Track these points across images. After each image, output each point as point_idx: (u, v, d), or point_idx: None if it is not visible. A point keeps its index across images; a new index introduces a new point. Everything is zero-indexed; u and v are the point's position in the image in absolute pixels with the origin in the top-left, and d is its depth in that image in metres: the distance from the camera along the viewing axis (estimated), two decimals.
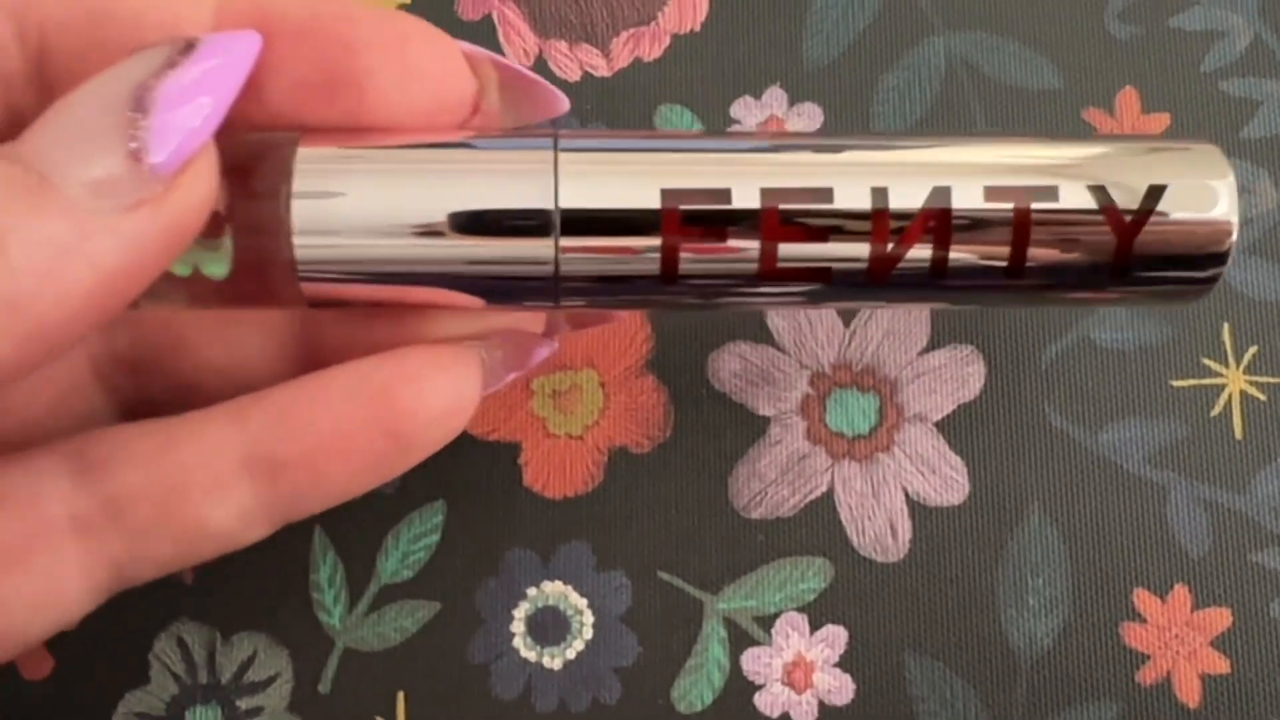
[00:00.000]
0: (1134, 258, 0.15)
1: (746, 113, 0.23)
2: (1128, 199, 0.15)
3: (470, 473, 0.21)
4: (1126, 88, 0.23)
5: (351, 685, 0.21)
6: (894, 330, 0.22)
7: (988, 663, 0.21)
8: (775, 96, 0.23)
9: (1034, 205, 0.15)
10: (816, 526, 0.21)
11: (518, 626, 0.21)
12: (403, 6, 0.23)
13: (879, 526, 0.21)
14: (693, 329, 0.22)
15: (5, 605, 0.14)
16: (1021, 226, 0.15)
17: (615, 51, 0.23)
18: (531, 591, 0.21)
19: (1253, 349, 0.22)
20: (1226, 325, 0.22)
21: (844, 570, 0.21)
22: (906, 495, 0.21)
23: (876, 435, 0.21)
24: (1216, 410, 0.21)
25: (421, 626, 0.21)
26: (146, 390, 0.17)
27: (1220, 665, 0.20)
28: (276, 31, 0.14)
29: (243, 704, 0.21)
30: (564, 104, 0.17)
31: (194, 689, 0.21)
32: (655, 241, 0.15)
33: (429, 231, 0.14)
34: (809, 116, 0.23)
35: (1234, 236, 0.15)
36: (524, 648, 0.21)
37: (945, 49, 0.23)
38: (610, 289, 0.15)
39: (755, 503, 0.21)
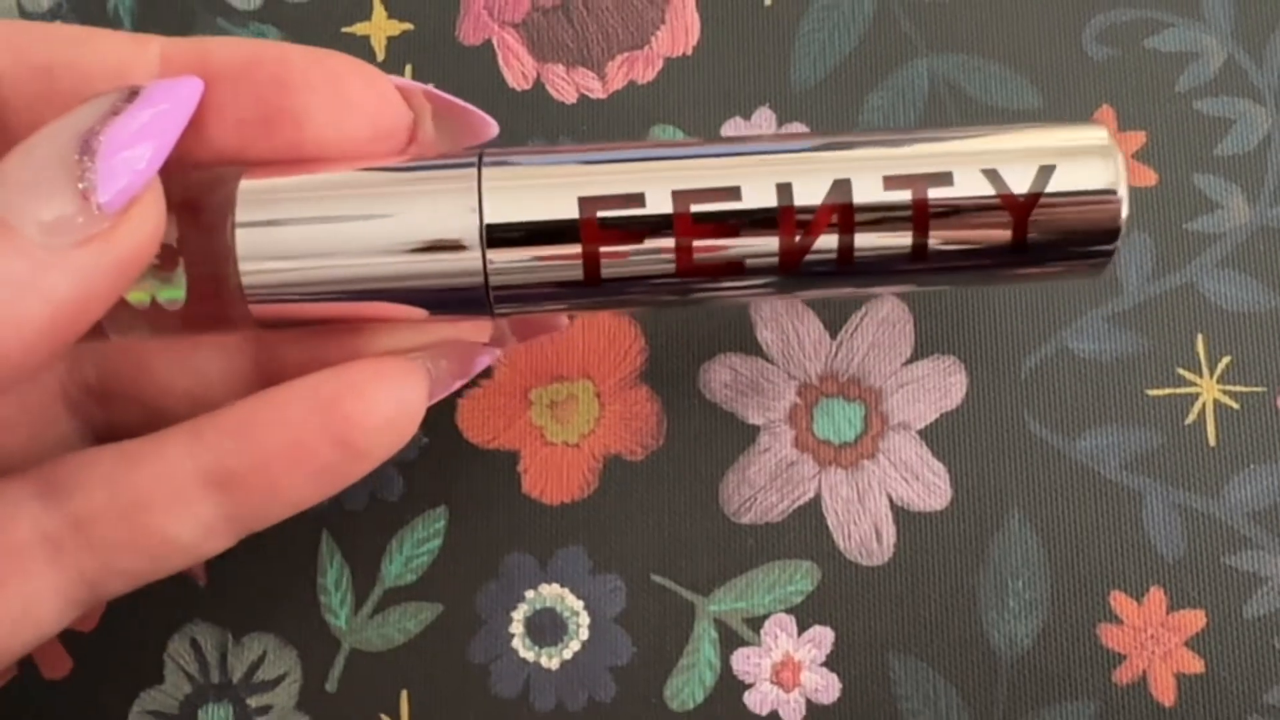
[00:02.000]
0: (1031, 237, 0.16)
1: (736, 132, 0.24)
2: (1019, 181, 0.16)
3: (471, 480, 0.22)
4: (1104, 106, 0.23)
5: (357, 684, 0.22)
6: (879, 342, 0.23)
7: (969, 662, 0.21)
8: (764, 117, 0.24)
9: (931, 193, 0.16)
10: (804, 531, 0.22)
11: (517, 628, 0.22)
12: (407, 33, 0.24)
13: (864, 531, 0.22)
14: (685, 341, 0.23)
15: None
16: (920, 213, 0.16)
17: (610, 74, 0.24)
18: (530, 594, 0.22)
19: (1226, 359, 0.22)
20: (1200, 336, 0.22)
21: (830, 573, 0.22)
22: (891, 501, 0.22)
23: (862, 443, 0.22)
24: (1191, 418, 0.22)
25: (424, 628, 0.22)
26: (116, 417, 0.18)
27: (1195, 665, 0.21)
28: (217, 75, 0.16)
29: (253, 702, 0.22)
30: (493, 128, 0.18)
31: (206, 688, 0.22)
32: (576, 249, 0.15)
33: (365, 250, 0.15)
34: None
35: (1124, 212, 0.16)
36: (523, 648, 0.22)
37: (928, 70, 0.24)
38: (539, 296, 0.16)
39: (745, 508, 0.22)
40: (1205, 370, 0.22)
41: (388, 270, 0.15)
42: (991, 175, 0.16)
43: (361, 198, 0.15)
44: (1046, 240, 0.16)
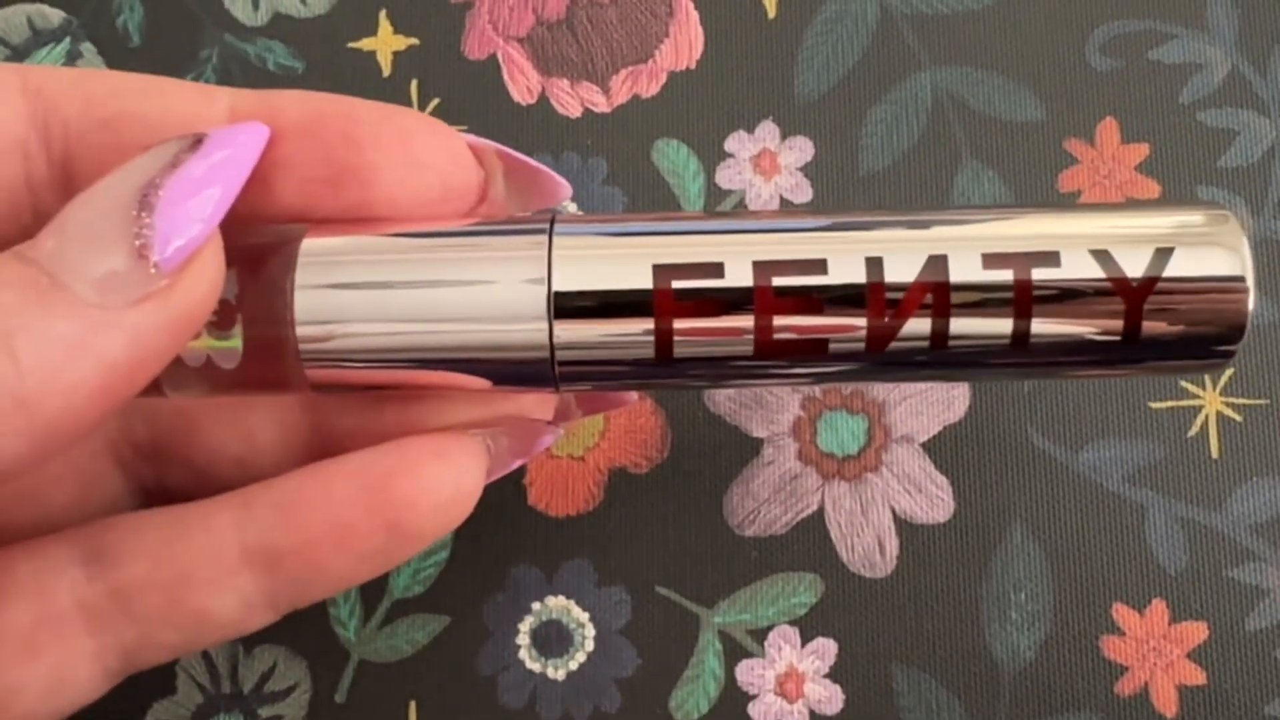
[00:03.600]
0: (1145, 327, 0.14)
1: (740, 146, 0.24)
2: (1134, 265, 0.14)
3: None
4: (1107, 118, 0.23)
5: (366, 695, 0.22)
6: None
7: (972, 674, 0.21)
8: (768, 130, 0.24)
9: (1035, 273, 0.14)
10: (808, 543, 0.22)
11: (523, 639, 0.22)
12: (412, 48, 0.24)
13: (867, 543, 0.22)
14: None
15: (18, 694, 0.15)
16: (1023, 295, 0.14)
17: (615, 88, 0.24)
18: (536, 606, 0.22)
19: (1229, 371, 0.22)
20: None
21: (834, 585, 0.22)
22: (894, 513, 0.22)
23: (865, 456, 0.22)
24: (1194, 431, 0.22)
25: (432, 639, 0.22)
26: (164, 478, 0.18)
27: (1196, 677, 0.21)
28: (284, 129, 0.15)
29: (264, 713, 0.22)
30: (567, 190, 0.17)
31: (218, 699, 0.22)
32: (649, 323, 0.14)
33: (427, 317, 0.15)
34: (800, 149, 0.24)
35: (1251, 304, 0.14)
36: (529, 659, 0.22)
37: (931, 83, 0.24)
38: (607, 371, 0.15)
39: (749, 521, 0.22)
40: (1208, 383, 0.22)
41: (450, 340, 0.15)
42: (1102, 256, 0.14)
43: (427, 262, 0.15)
44: (1161, 334, 0.14)
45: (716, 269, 0.14)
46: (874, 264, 0.14)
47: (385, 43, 0.24)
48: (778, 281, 0.14)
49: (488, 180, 0.16)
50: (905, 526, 0.22)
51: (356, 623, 0.22)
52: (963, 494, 0.22)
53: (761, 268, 0.14)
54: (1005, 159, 0.23)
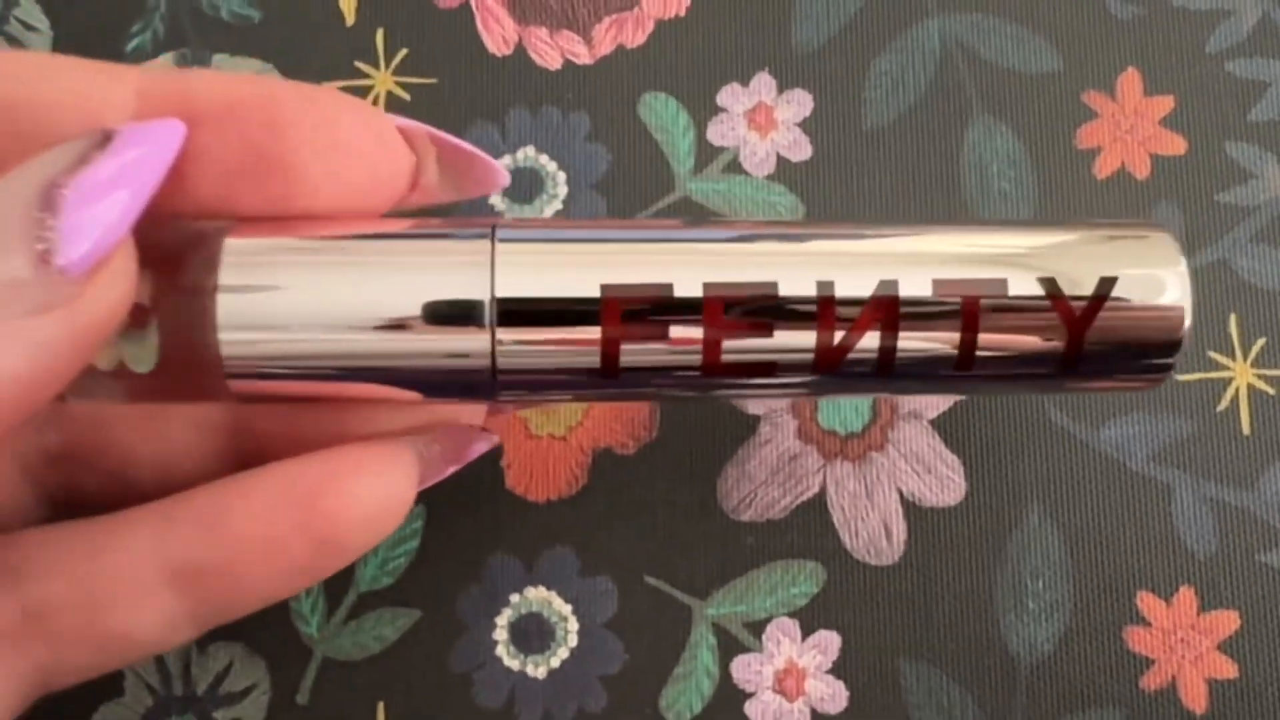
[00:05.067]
0: (1086, 348, 0.15)
1: (734, 100, 0.22)
2: (1077, 290, 0.15)
3: (450, 477, 0.21)
4: (1129, 69, 0.22)
5: (330, 696, 0.20)
6: None
7: (986, 669, 0.20)
8: (763, 83, 0.22)
9: (982, 297, 0.15)
10: (808, 529, 0.21)
11: (500, 634, 0.20)
12: None
13: (873, 528, 0.21)
14: None
15: None
16: (970, 318, 0.15)
17: (597, 38, 0.22)
18: (514, 598, 0.21)
19: (1261, 341, 0.21)
20: (1234, 316, 0.21)
21: (837, 574, 0.20)
22: (901, 495, 0.21)
23: (870, 433, 0.21)
24: (1223, 405, 0.21)
25: (402, 635, 0.20)
26: (77, 485, 0.17)
27: (1228, 670, 0.20)
28: (200, 116, 0.14)
29: (219, 715, 0.20)
30: (503, 179, 0.17)
31: (169, 701, 0.20)
32: (595, 334, 0.14)
33: (361, 326, 0.14)
34: (799, 103, 0.22)
35: (1187, 324, 0.15)
36: (507, 656, 0.20)
37: (939, 31, 0.22)
38: (549, 383, 0.15)
39: (745, 505, 0.21)
40: (1239, 353, 0.21)
41: (386, 348, 0.14)
42: (1048, 283, 0.15)
43: (361, 266, 0.14)
44: (1101, 352, 0.15)
45: (666, 289, 0.14)
46: (825, 286, 0.15)
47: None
48: (727, 298, 0.14)
49: (420, 165, 0.16)
50: (913, 510, 0.21)
51: (319, 618, 0.21)
52: (975, 474, 0.21)
53: (712, 288, 0.14)
54: (1020, 113, 0.22)
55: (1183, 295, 0.15)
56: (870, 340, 0.15)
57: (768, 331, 0.15)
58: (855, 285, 0.15)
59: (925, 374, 0.15)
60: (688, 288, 0.14)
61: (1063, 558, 0.20)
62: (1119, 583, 0.20)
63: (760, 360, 0.15)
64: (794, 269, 0.15)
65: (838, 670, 0.20)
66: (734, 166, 0.22)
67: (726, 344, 0.14)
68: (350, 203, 0.15)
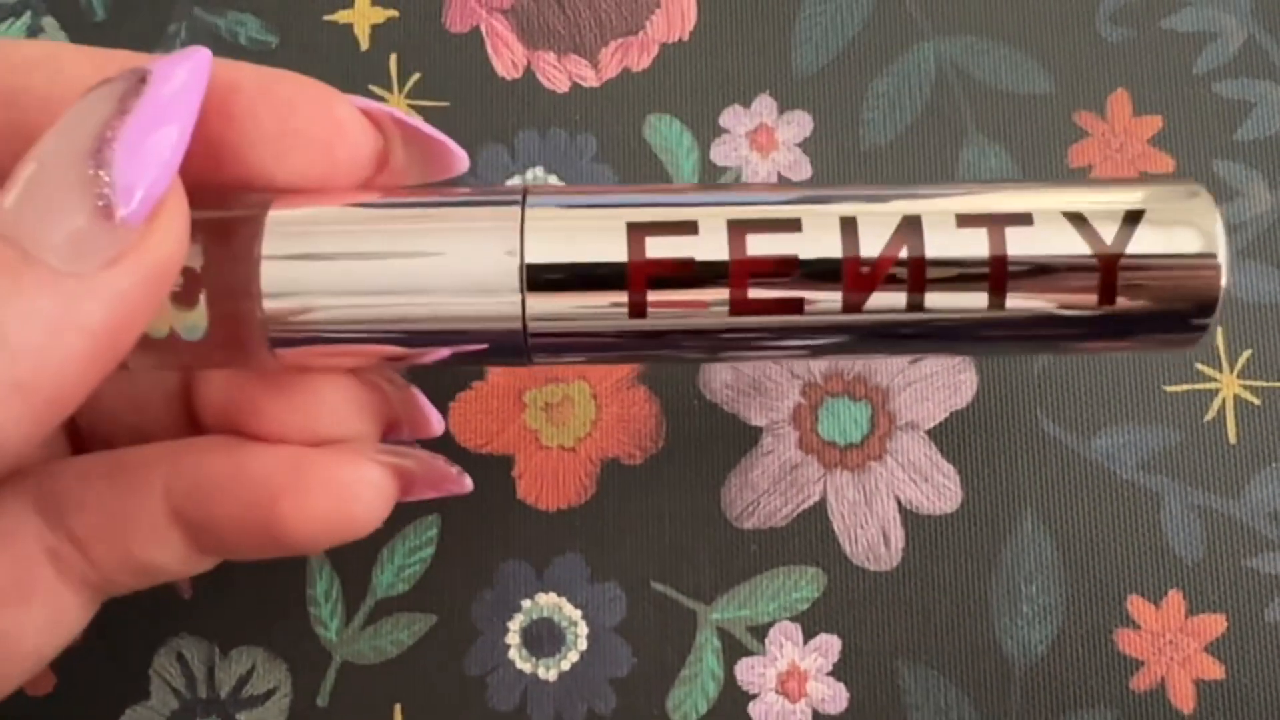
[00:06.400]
0: (1119, 303, 0.15)
1: (736, 121, 0.23)
2: (1105, 232, 0.15)
3: None
4: (1119, 90, 0.23)
5: (349, 698, 0.21)
6: None
7: (982, 670, 0.21)
8: (765, 105, 0.23)
9: (1009, 231, 0.15)
10: (809, 536, 0.21)
11: (513, 638, 0.21)
12: (391, 20, 0.23)
13: (872, 535, 0.21)
14: None
15: (20, 635, 0.15)
16: (998, 253, 0.15)
17: (604, 62, 0.23)
18: (526, 603, 0.21)
19: (1247, 353, 0.21)
20: (1220, 329, 0.22)
21: (837, 579, 0.21)
22: (899, 503, 0.21)
23: (869, 444, 0.21)
24: (1210, 415, 0.21)
25: (418, 639, 0.21)
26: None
27: (1215, 671, 0.20)
28: None
29: (242, 717, 0.21)
30: (463, 163, 0.17)
31: (194, 703, 0.21)
32: (622, 295, 0.15)
33: (397, 290, 0.14)
34: (799, 124, 0.23)
35: (1224, 279, 0.15)
36: (519, 659, 0.21)
37: (935, 54, 0.23)
38: (580, 343, 0.15)
39: (748, 513, 0.21)
40: (1225, 365, 0.21)
41: (420, 312, 0.15)
42: (1075, 218, 0.15)
43: (396, 233, 0.15)
44: (1134, 307, 0.15)
45: (690, 227, 0.15)
46: (848, 222, 0.15)
47: (363, 15, 0.23)
48: (752, 239, 0.15)
49: (388, 148, 0.16)
50: (911, 517, 0.21)
51: (338, 623, 0.21)
52: (970, 483, 0.21)
53: (736, 226, 0.15)
54: (1012, 133, 0.22)
55: (1217, 244, 0.15)
56: (899, 283, 0.15)
57: (794, 270, 0.15)
58: (879, 225, 0.15)
59: (956, 312, 0.15)
60: (712, 228, 0.15)
61: (1055, 563, 0.21)
62: (1110, 587, 0.21)
63: (787, 298, 0.15)
64: (818, 216, 0.15)
65: (838, 672, 0.21)
66: (737, 185, 0.22)
67: (754, 285, 0.15)
68: (306, 189, 0.15)
